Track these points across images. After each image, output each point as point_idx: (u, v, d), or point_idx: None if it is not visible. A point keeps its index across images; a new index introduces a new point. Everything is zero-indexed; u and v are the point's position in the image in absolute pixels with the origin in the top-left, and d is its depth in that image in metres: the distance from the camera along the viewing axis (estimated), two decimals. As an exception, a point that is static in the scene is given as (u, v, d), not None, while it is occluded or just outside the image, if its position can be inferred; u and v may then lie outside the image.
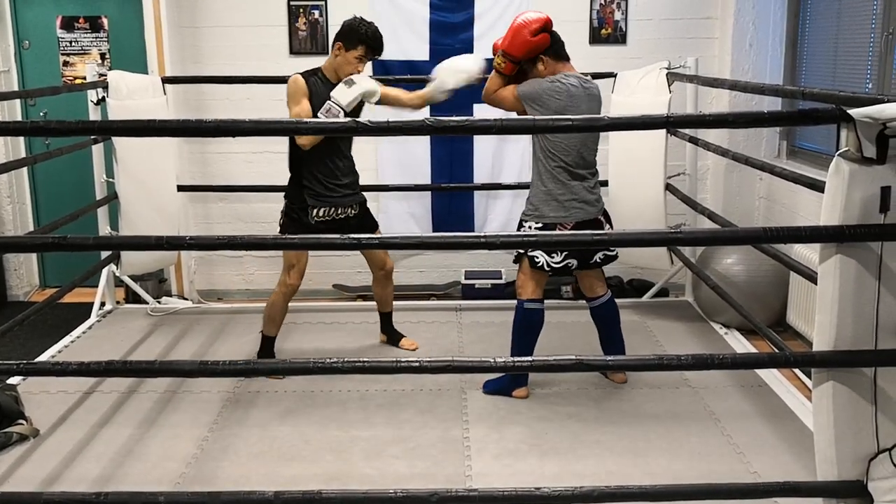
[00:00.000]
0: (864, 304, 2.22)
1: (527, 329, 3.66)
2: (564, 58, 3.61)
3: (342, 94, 3.68)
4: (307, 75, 3.82)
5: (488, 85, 3.67)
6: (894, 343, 2.28)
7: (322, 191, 3.84)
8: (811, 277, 3.27)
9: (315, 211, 3.84)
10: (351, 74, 3.76)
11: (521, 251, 3.63)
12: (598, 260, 3.67)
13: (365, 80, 3.77)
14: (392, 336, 4.36)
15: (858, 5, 4.28)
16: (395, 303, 4.35)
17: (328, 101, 3.67)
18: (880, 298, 2.22)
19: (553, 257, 3.55)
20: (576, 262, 3.60)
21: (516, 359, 2.48)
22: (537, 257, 3.57)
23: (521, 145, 5.32)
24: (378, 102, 3.86)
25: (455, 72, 3.86)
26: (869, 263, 2.20)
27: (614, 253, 3.73)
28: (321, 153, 3.79)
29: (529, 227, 3.60)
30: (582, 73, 3.64)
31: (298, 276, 3.94)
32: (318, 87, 3.78)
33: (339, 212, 3.90)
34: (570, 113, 3.41)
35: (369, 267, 4.19)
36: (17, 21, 5.44)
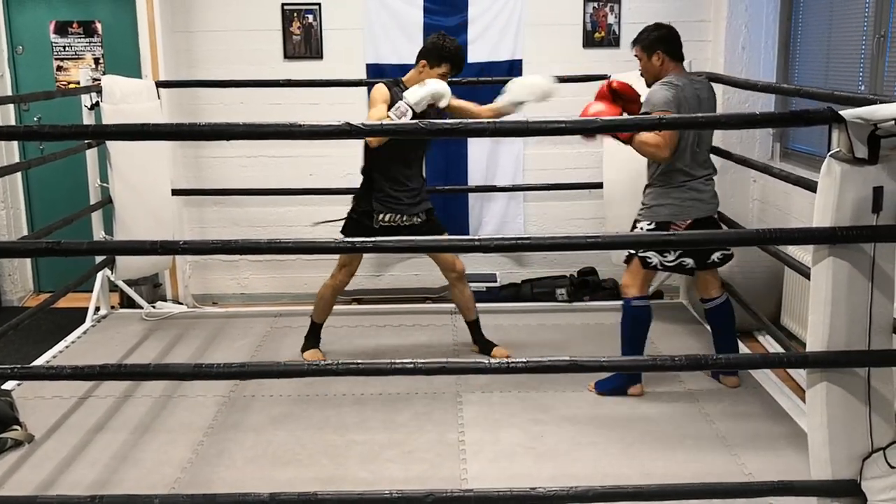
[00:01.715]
0: (857, 305, 2.23)
1: (637, 327, 3.64)
2: (678, 58, 3.64)
3: (412, 93, 3.66)
4: (390, 85, 3.89)
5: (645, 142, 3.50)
6: (887, 343, 2.29)
7: (389, 197, 3.90)
8: (805, 274, 3.28)
9: (380, 216, 3.90)
10: None
11: (633, 251, 3.61)
12: (717, 259, 3.63)
13: (436, 82, 3.71)
14: (484, 346, 4.25)
15: (850, 8, 4.30)
16: (389, 305, 4.35)
17: (399, 101, 3.67)
18: (873, 299, 2.23)
19: (666, 256, 3.53)
20: (692, 261, 3.57)
21: (511, 361, 2.48)
22: (650, 258, 3.55)
23: (516, 148, 5.33)
24: (446, 109, 3.86)
25: (528, 86, 3.87)
26: (862, 264, 2.21)
27: (731, 252, 3.69)
28: (390, 160, 3.85)
29: (642, 228, 3.58)
30: (694, 74, 3.68)
31: (348, 275, 4.07)
32: (400, 97, 3.77)
33: (405, 218, 3.93)
34: (687, 106, 3.47)
35: (442, 272, 4.16)
36: (10, 26, 5.43)
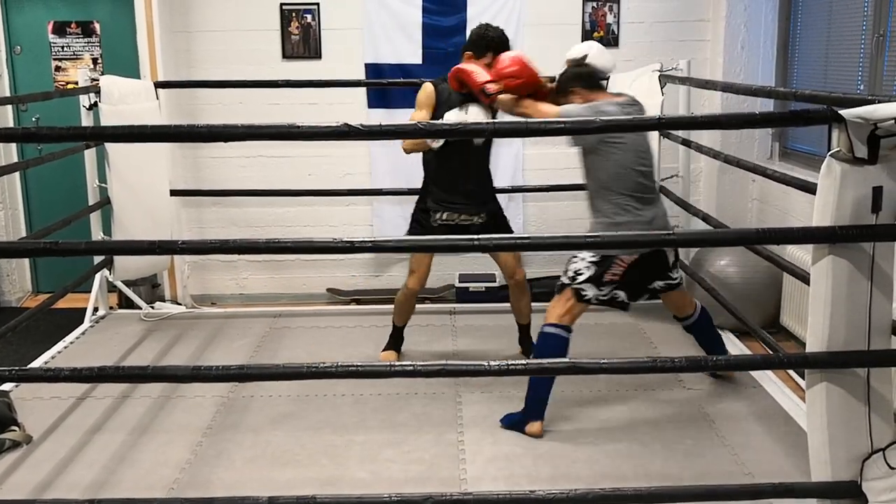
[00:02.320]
0: (857, 305, 2.23)
1: (544, 356, 3.31)
2: (599, 87, 3.50)
3: (452, 115, 3.67)
4: (439, 81, 3.85)
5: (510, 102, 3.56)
6: (887, 343, 2.29)
7: (444, 195, 3.88)
8: (804, 278, 3.28)
9: (437, 214, 3.88)
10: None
11: (566, 282, 3.38)
12: (659, 287, 3.50)
13: (476, 114, 3.70)
14: (526, 350, 4.21)
15: (849, 7, 4.30)
16: (389, 306, 4.33)
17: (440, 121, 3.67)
18: (872, 299, 2.23)
19: (601, 290, 3.32)
20: (625, 295, 3.38)
21: (510, 362, 2.47)
22: (585, 290, 3.32)
23: (514, 149, 5.32)
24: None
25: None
26: (861, 264, 2.21)
27: (677, 280, 3.54)
28: (444, 159, 3.81)
29: (582, 259, 3.33)
30: (626, 97, 3.47)
31: (417, 281, 4.01)
32: (448, 94, 3.77)
33: (463, 217, 3.89)
34: (612, 140, 3.27)
35: (504, 277, 4.14)
36: (8, 26, 5.42)
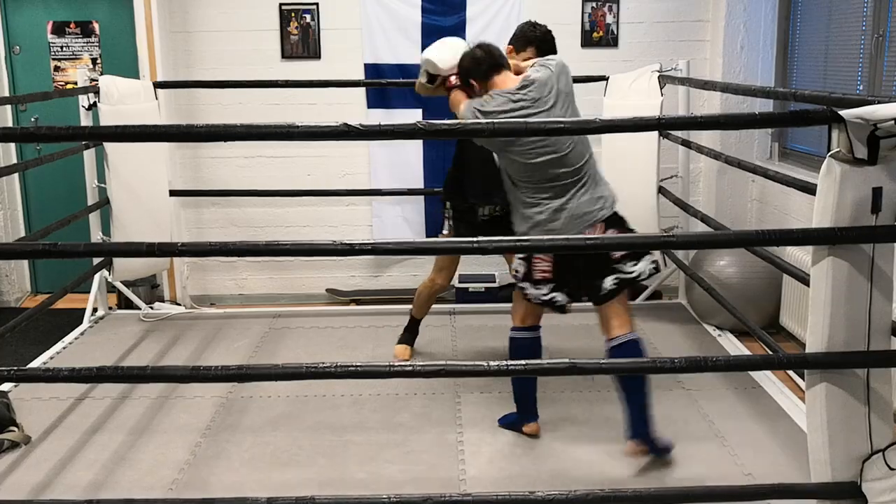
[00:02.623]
0: (857, 306, 2.23)
1: (517, 359, 3.12)
2: (492, 74, 3.23)
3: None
4: None
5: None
6: (886, 344, 2.28)
7: (486, 190, 3.93)
8: (804, 279, 3.28)
9: (482, 209, 3.94)
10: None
11: (513, 282, 3.33)
12: (610, 288, 3.06)
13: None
14: None
15: (849, 7, 4.30)
16: (388, 306, 4.34)
17: None
18: (872, 299, 2.22)
19: (540, 289, 3.13)
20: (563, 298, 3.12)
21: (510, 362, 2.47)
22: (525, 289, 3.18)
23: (514, 148, 5.32)
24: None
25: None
26: (861, 265, 2.20)
27: (633, 275, 3.07)
28: (484, 157, 3.77)
29: (516, 257, 3.21)
30: (522, 78, 3.19)
31: (446, 278, 4.09)
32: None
33: (499, 209, 3.95)
34: (511, 140, 3.08)
35: (510, 270, 4.16)
36: (7, 26, 5.42)
